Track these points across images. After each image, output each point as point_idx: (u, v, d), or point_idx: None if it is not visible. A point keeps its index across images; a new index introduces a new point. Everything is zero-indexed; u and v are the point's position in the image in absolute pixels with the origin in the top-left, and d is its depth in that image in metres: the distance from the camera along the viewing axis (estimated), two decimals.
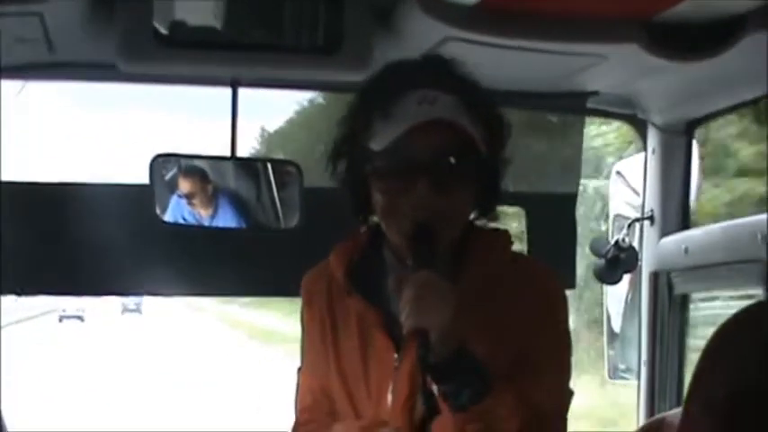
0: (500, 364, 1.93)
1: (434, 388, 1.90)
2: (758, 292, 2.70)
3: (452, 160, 1.98)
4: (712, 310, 3.13)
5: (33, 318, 38.73)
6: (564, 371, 2.06)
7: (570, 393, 2.07)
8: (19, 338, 26.52)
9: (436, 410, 1.89)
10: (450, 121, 1.96)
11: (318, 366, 2.14)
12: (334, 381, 2.10)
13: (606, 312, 3.40)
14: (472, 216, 2.09)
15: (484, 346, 1.92)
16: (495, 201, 2.10)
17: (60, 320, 42.12)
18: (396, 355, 2.01)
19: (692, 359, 3.08)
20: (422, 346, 1.84)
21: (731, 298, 3.07)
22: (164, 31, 2.44)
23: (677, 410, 2.82)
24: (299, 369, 2.21)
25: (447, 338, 1.86)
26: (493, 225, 2.12)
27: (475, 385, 1.89)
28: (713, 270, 2.88)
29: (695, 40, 2.43)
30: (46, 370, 21.64)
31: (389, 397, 2.01)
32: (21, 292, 3.05)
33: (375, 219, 2.10)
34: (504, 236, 2.13)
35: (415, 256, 1.96)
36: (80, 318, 42.80)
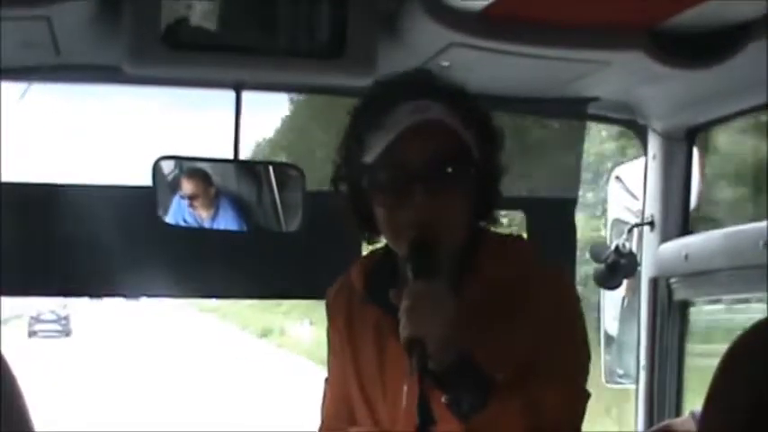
0: (508, 371, 1.92)
1: (443, 397, 1.91)
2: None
3: (447, 165, 1.98)
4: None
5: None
6: (578, 374, 2.05)
7: (587, 395, 2.06)
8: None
9: (431, 418, 1.90)
10: (442, 122, 1.97)
11: (340, 375, 2.18)
12: (353, 388, 2.14)
13: (602, 316, 3.40)
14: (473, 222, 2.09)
15: (489, 354, 1.91)
16: (493, 205, 2.10)
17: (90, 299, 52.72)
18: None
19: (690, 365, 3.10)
20: (418, 356, 1.84)
21: None
22: (169, 34, 2.44)
23: (683, 418, 2.82)
24: (326, 379, 2.24)
25: (444, 347, 1.86)
26: (505, 230, 2.13)
27: (476, 393, 1.89)
28: (713, 276, 2.89)
29: (699, 47, 2.44)
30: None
31: (404, 402, 2.02)
32: (21, 293, 3.05)
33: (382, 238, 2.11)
34: (518, 242, 2.15)
35: (414, 267, 1.96)
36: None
